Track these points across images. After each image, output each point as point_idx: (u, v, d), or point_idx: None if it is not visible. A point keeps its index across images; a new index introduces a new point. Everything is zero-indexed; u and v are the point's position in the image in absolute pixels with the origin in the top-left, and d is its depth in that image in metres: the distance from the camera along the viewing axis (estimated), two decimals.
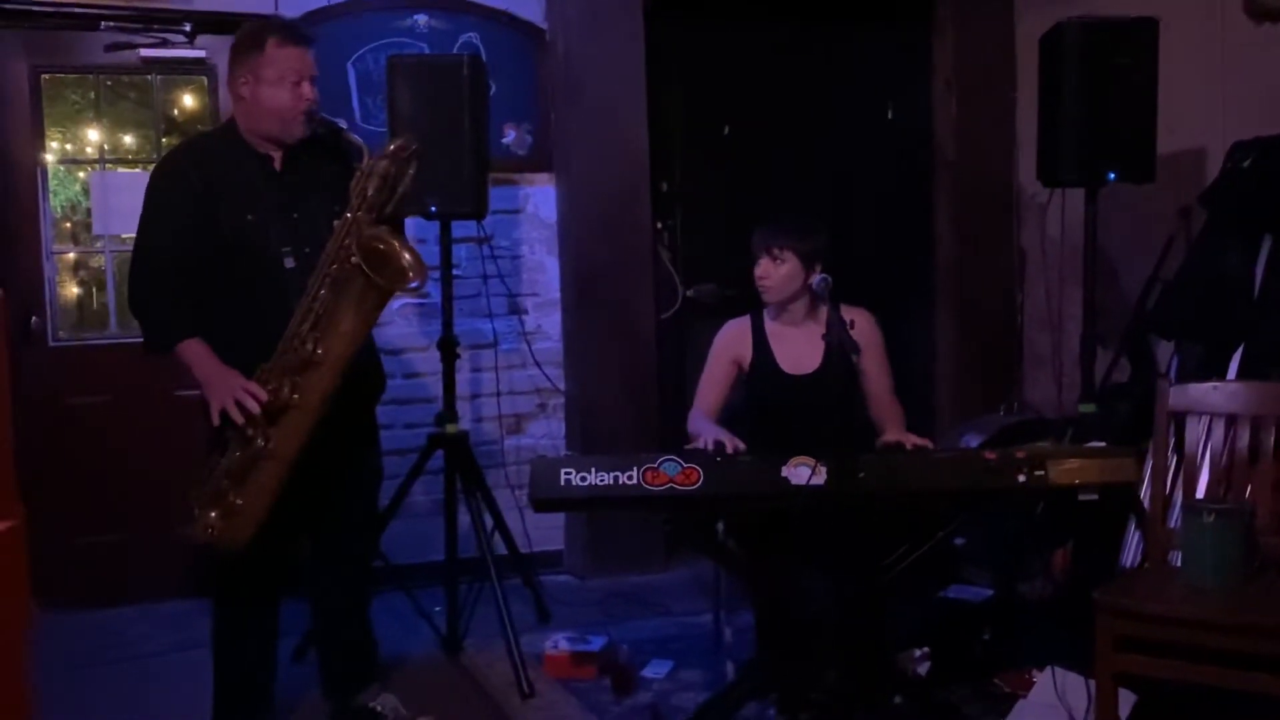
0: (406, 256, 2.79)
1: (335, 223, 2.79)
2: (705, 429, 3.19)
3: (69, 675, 3.53)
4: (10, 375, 1.94)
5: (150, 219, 2.91)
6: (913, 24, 5.17)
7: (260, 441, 2.75)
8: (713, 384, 3.44)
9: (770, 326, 3.43)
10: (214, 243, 2.88)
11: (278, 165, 2.97)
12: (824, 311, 3.28)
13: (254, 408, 2.74)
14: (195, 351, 2.84)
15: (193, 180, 2.89)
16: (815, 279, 3.28)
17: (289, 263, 2.91)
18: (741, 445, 3.00)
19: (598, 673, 3.56)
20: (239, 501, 2.77)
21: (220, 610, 3.06)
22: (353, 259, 2.73)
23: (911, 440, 3.14)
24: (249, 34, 2.95)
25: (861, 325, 3.36)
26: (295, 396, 2.76)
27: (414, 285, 2.83)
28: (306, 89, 2.91)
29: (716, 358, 3.46)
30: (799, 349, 3.37)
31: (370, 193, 2.77)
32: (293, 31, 2.99)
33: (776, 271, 3.33)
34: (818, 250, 3.32)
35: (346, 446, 3.05)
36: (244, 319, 2.89)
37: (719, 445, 2.98)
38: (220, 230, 2.88)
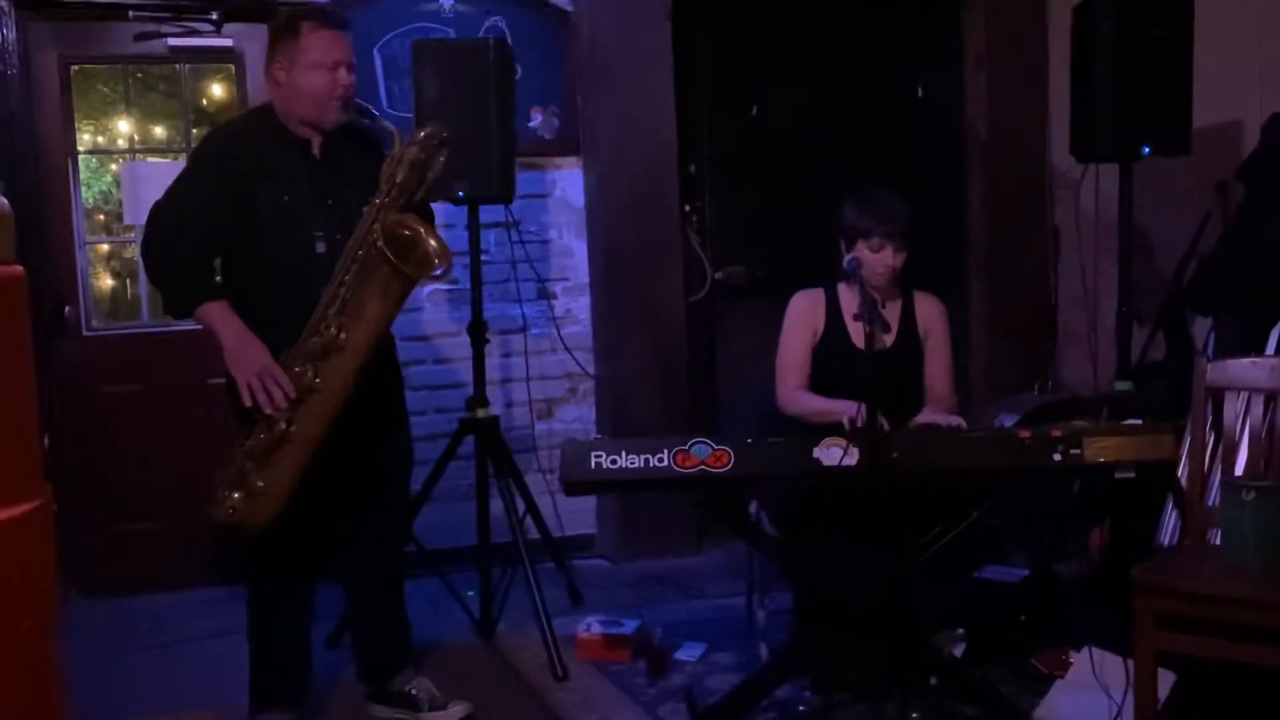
0: (431, 243, 2.79)
1: (364, 209, 2.80)
2: (834, 403, 3.13)
3: (107, 662, 3.57)
4: (45, 364, 1.95)
5: (182, 187, 2.90)
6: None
7: (283, 425, 2.76)
8: (800, 355, 3.37)
9: (846, 302, 3.37)
10: (248, 223, 2.89)
11: (316, 151, 2.98)
12: (897, 290, 3.36)
13: (281, 402, 2.76)
14: (219, 315, 2.84)
15: (236, 158, 2.90)
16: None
17: (320, 247, 2.91)
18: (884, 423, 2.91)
19: (631, 655, 3.56)
20: (261, 483, 2.78)
21: (255, 596, 3.08)
22: (378, 245, 2.73)
23: (946, 420, 3.11)
24: (285, 20, 2.97)
25: (929, 309, 3.40)
26: (318, 380, 2.77)
27: (438, 272, 2.84)
28: (343, 75, 2.92)
29: (796, 328, 3.39)
30: None
31: (399, 179, 2.79)
32: (328, 17, 3.01)
33: (899, 259, 3.28)
34: None
35: (375, 431, 3.05)
36: (273, 301, 2.90)
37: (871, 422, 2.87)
38: (256, 210, 2.88)
